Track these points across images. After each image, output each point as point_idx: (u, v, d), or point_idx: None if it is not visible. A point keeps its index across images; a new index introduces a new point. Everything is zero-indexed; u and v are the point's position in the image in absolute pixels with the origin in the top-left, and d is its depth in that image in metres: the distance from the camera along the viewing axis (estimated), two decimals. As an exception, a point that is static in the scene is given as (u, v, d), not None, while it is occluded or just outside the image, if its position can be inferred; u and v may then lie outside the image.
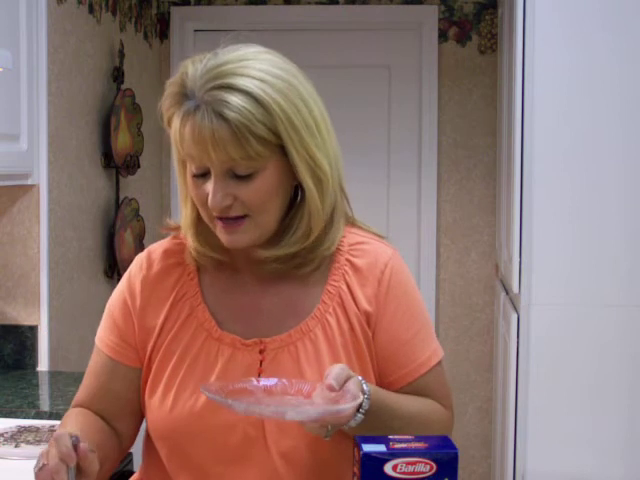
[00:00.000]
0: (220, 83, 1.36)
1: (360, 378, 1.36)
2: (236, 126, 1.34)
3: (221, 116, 1.34)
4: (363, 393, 1.34)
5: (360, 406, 1.33)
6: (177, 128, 1.39)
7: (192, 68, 1.39)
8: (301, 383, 1.39)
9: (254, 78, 1.36)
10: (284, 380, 1.40)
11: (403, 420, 1.41)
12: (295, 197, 1.46)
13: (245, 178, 1.38)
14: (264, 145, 1.36)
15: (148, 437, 1.54)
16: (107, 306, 1.57)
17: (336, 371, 1.31)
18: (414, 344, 1.49)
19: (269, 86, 1.37)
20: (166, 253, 1.54)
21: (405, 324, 1.49)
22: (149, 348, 1.50)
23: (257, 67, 1.38)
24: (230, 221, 1.41)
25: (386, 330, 1.48)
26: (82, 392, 1.57)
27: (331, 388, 1.30)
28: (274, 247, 1.45)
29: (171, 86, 1.41)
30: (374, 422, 1.36)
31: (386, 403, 1.39)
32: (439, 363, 1.52)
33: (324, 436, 1.34)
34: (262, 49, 1.43)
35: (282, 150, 1.39)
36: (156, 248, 1.56)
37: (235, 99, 1.34)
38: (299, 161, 1.40)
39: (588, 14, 2.79)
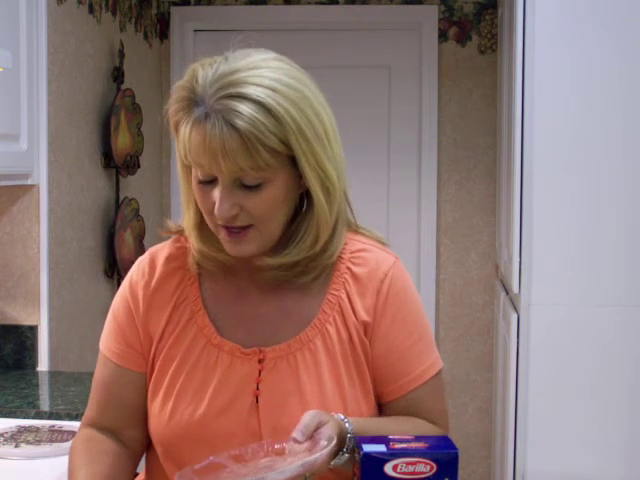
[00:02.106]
0: (231, 92, 1.33)
1: (342, 417, 1.34)
2: (247, 136, 1.32)
3: (232, 126, 1.32)
4: (345, 433, 1.33)
5: (344, 444, 1.32)
6: (185, 135, 1.37)
7: (202, 73, 1.37)
8: (272, 443, 1.36)
9: (266, 87, 1.34)
10: (254, 445, 1.37)
11: None
12: (300, 205, 1.46)
13: (253, 188, 1.37)
14: (274, 156, 1.35)
15: (147, 463, 1.54)
16: (110, 311, 1.56)
17: (304, 421, 1.29)
18: (411, 355, 1.48)
19: (281, 96, 1.35)
20: (168, 257, 1.53)
21: (402, 334, 1.47)
22: (152, 353, 1.50)
23: (269, 76, 1.36)
24: (235, 230, 1.40)
25: (383, 340, 1.47)
26: (92, 407, 1.55)
27: (295, 441, 1.28)
28: (279, 255, 1.45)
29: (179, 90, 1.40)
30: None
31: (373, 434, 1.37)
32: (437, 375, 1.50)
33: None
34: (273, 55, 1.41)
35: (291, 161, 1.38)
36: (158, 252, 1.55)
37: (246, 109, 1.32)
38: (309, 171, 1.39)
39: (588, 14, 2.79)
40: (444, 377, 1.53)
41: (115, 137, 3.46)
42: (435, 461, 1.26)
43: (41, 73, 2.81)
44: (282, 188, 1.39)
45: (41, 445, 2.12)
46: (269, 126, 1.33)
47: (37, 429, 2.26)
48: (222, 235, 1.42)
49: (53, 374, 2.86)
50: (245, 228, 1.40)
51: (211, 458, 1.34)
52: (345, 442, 1.33)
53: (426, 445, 1.28)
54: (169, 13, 4.25)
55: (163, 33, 4.26)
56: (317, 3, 4.22)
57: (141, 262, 1.55)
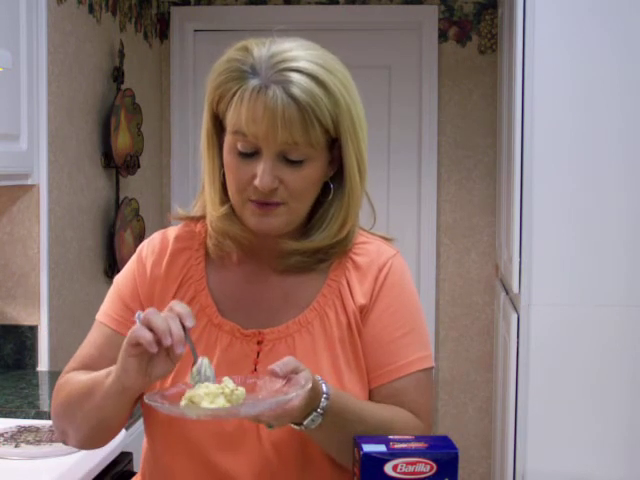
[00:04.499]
0: (291, 65, 1.37)
1: (319, 378, 1.34)
2: (305, 108, 1.36)
3: (292, 97, 1.35)
4: (320, 392, 1.32)
5: (317, 404, 1.32)
6: (238, 104, 1.38)
7: (257, 49, 1.40)
8: (245, 378, 1.36)
9: (321, 66, 1.39)
10: (224, 377, 1.36)
11: (368, 425, 1.38)
12: (322, 194, 1.48)
13: (295, 164, 1.40)
14: (324, 134, 1.39)
15: (147, 427, 1.53)
16: (113, 285, 1.56)
17: (283, 360, 1.30)
18: (397, 346, 1.48)
19: (334, 77, 1.40)
20: (177, 237, 1.55)
21: (392, 324, 1.48)
22: None
23: (322, 57, 1.41)
24: (265, 205, 1.42)
25: (372, 326, 1.48)
26: (76, 362, 1.52)
27: (274, 374, 1.28)
28: (306, 240, 1.48)
29: (229, 63, 1.41)
30: (336, 425, 1.35)
31: (349, 406, 1.37)
32: (425, 372, 1.49)
33: (267, 426, 1.32)
34: (313, 43, 1.45)
35: (331, 146, 1.43)
36: (168, 232, 1.57)
37: (306, 81, 1.37)
38: (352, 155, 1.44)
39: (588, 14, 2.79)
40: (444, 377, 1.53)
41: (115, 137, 3.46)
42: (435, 461, 1.26)
43: (41, 73, 2.82)
44: (319, 169, 1.43)
45: (41, 445, 2.12)
46: (326, 103, 1.38)
47: (37, 429, 2.26)
48: (250, 209, 1.43)
49: (53, 374, 2.86)
50: (276, 204, 1.42)
51: (183, 386, 1.34)
52: (319, 402, 1.32)
53: (426, 445, 1.28)
54: (169, 13, 4.25)
55: (163, 33, 4.26)
56: (317, 3, 4.22)
57: (152, 239, 1.57)
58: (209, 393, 1.27)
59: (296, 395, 1.25)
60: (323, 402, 1.32)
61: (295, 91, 1.35)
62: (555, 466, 2.86)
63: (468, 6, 4.16)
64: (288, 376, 1.29)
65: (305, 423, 1.32)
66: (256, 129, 1.37)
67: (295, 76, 1.36)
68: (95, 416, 1.42)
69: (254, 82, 1.37)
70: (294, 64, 1.37)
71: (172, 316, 1.28)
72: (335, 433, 1.36)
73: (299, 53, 1.39)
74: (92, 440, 1.50)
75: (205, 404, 1.26)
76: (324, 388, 1.33)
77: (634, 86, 2.79)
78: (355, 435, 1.32)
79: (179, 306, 1.30)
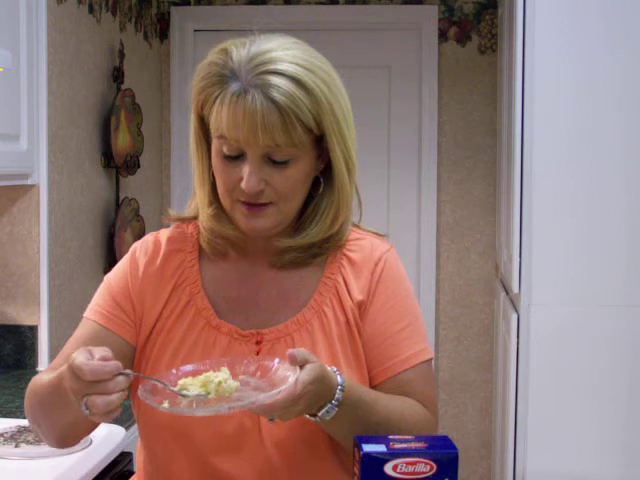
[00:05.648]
0: (270, 68, 1.37)
1: (335, 369, 1.35)
2: (285, 111, 1.35)
3: (271, 100, 1.35)
4: (334, 384, 1.32)
5: (332, 396, 1.32)
6: (221, 109, 1.38)
7: (236, 52, 1.39)
8: (264, 359, 1.37)
9: (301, 66, 1.38)
10: (249, 358, 1.38)
11: (381, 416, 1.39)
12: (313, 189, 1.48)
13: (280, 164, 1.40)
14: (307, 134, 1.39)
15: (144, 433, 1.52)
16: (105, 282, 1.54)
17: (298, 349, 1.31)
18: (399, 340, 1.49)
19: (315, 75, 1.39)
20: (169, 239, 1.55)
21: (392, 319, 1.49)
22: (147, 332, 1.49)
23: (301, 56, 1.40)
24: (255, 206, 1.42)
25: (372, 321, 1.49)
26: (61, 358, 1.47)
27: (292, 359, 1.28)
28: (299, 235, 1.48)
29: (209, 67, 1.41)
30: (350, 415, 1.35)
31: (362, 398, 1.38)
32: (427, 363, 1.51)
33: (268, 420, 1.33)
34: (296, 39, 1.45)
35: (315, 142, 1.43)
36: (161, 234, 1.57)
37: (285, 84, 1.36)
38: (338, 151, 1.44)
39: (588, 14, 2.79)
40: (444, 377, 1.54)
41: (115, 137, 3.46)
42: (435, 461, 1.26)
43: (41, 73, 2.81)
44: (306, 167, 1.43)
45: (41, 445, 2.12)
46: (306, 103, 1.37)
47: (37, 429, 2.25)
48: (240, 210, 1.43)
49: (53, 374, 2.86)
50: (265, 205, 1.42)
51: (198, 365, 1.35)
52: (334, 394, 1.32)
53: (426, 445, 1.28)
54: (169, 13, 4.25)
55: (163, 33, 4.26)
56: (317, 3, 4.22)
57: (145, 241, 1.56)
58: (200, 381, 1.29)
59: (278, 392, 1.25)
60: (338, 394, 1.33)
61: (274, 94, 1.35)
62: (555, 466, 2.86)
63: (468, 6, 4.16)
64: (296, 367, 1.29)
65: (320, 414, 1.33)
66: (237, 134, 1.37)
67: (274, 79, 1.36)
68: (59, 422, 1.42)
69: (234, 87, 1.37)
70: (272, 67, 1.37)
71: (99, 385, 1.23)
72: (349, 423, 1.36)
73: (278, 54, 1.38)
74: (65, 440, 1.49)
75: (193, 389, 1.28)
76: (339, 380, 1.34)
77: (634, 86, 2.79)
78: (355, 435, 1.33)
79: (88, 367, 1.23)
